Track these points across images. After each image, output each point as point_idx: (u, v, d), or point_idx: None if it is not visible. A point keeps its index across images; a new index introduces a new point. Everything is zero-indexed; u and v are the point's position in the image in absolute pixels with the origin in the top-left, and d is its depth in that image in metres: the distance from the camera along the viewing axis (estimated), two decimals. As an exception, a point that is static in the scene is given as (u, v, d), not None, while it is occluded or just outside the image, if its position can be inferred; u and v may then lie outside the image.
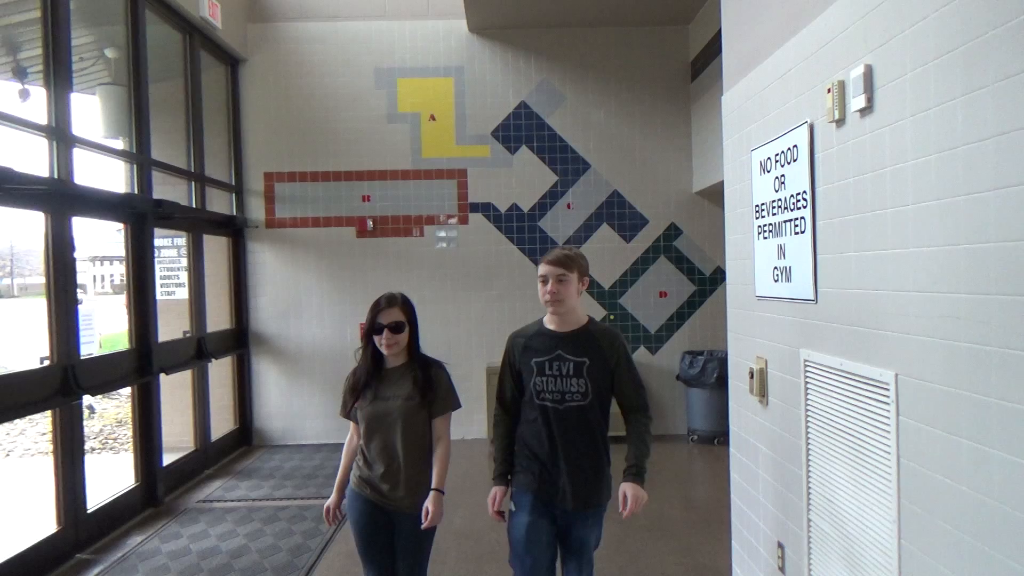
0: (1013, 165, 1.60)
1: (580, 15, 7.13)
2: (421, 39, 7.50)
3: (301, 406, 7.56)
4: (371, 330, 2.87)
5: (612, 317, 7.55)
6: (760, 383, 3.16)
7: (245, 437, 7.49)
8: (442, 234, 7.54)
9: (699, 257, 7.54)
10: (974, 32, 1.71)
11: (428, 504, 2.81)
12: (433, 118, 7.53)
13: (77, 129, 4.76)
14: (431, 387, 2.91)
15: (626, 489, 2.67)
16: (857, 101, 2.23)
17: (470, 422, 7.41)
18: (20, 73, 6.13)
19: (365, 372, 2.92)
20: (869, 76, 2.18)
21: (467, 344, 7.53)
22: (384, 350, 2.87)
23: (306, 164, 7.52)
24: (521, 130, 7.54)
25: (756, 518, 3.28)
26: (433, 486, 2.87)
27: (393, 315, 2.87)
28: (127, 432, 9.08)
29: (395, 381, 2.91)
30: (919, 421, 1.98)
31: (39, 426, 9.40)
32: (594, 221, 7.55)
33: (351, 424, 3.03)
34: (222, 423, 7.19)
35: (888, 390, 2.11)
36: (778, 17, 2.92)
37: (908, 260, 2.01)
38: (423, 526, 2.81)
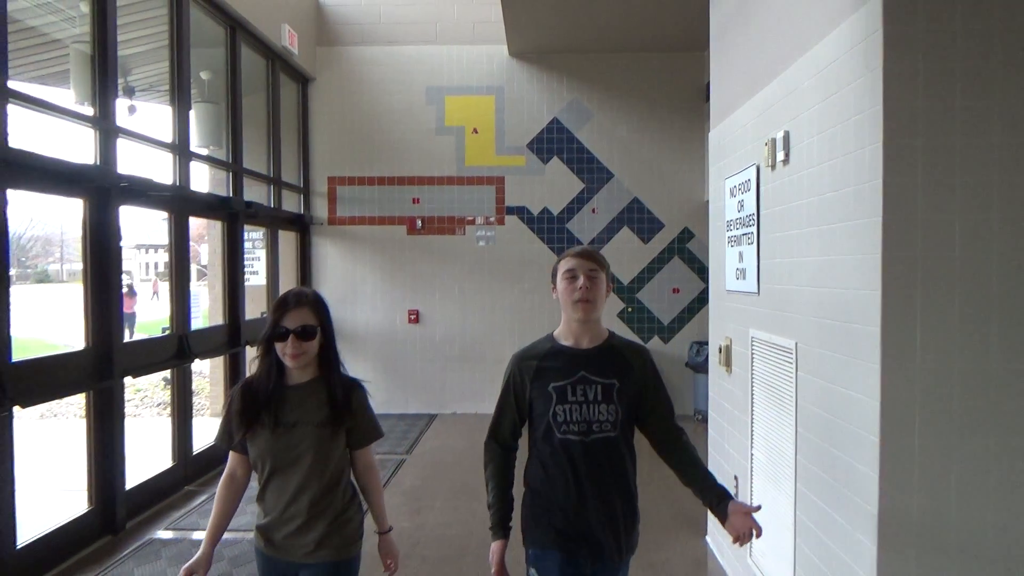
0: (848, 208, 2.57)
1: (608, 42, 8.10)
2: (467, 62, 8.55)
3: (355, 381, 8.67)
4: (272, 335, 2.28)
5: (631, 309, 8.52)
6: (727, 356, 4.14)
7: (307, 406, 8.63)
8: (481, 233, 8.60)
9: (708, 258, 8.46)
10: (836, 121, 2.68)
11: (386, 553, 2.46)
12: (476, 131, 8.58)
13: (190, 144, 5.90)
14: (350, 412, 2.34)
15: (746, 516, 2.22)
16: (780, 155, 3.21)
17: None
18: (129, 91, 7.35)
19: (264, 389, 2.30)
20: (787, 138, 3.15)
21: (501, 330, 8.58)
22: (288, 361, 2.27)
23: (364, 170, 8.63)
24: (553, 143, 8.55)
25: (723, 461, 4.26)
26: (383, 530, 2.46)
27: (302, 316, 2.28)
28: (198, 400, 10.33)
29: (301, 402, 2.31)
30: (808, 373, 2.96)
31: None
32: (616, 224, 8.53)
33: (231, 457, 2.40)
34: (288, 393, 8.33)
35: (791, 353, 3.09)
36: (740, 82, 3.89)
37: (801, 266, 2.99)
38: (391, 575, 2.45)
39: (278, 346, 2.28)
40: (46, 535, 4.21)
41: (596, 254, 2.33)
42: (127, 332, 15.68)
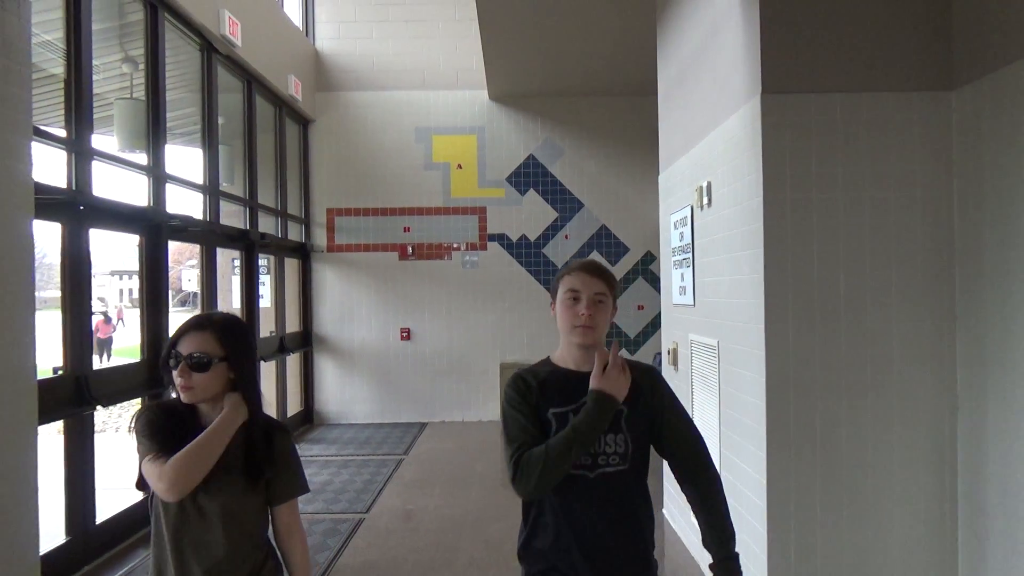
0: (746, 241, 3.57)
1: (578, 87, 9.18)
2: (452, 104, 9.57)
3: (352, 393, 9.56)
4: (165, 359, 1.92)
5: (600, 325, 9.51)
6: (674, 357, 5.13)
7: (308, 416, 9.48)
8: (466, 258, 9.57)
9: (669, 278, 9.53)
10: (737, 178, 3.70)
11: None
12: (460, 166, 9.58)
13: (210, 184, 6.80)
14: (270, 461, 1.97)
15: None
16: (706, 199, 4.23)
17: (484, 406, 9.41)
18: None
19: (166, 426, 1.90)
20: (710, 187, 4.17)
21: (484, 345, 9.53)
22: (181, 394, 1.90)
23: (360, 202, 9.58)
24: (529, 176, 9.59)
25: (673, 443, 5.23)
26: None
27: (199, 342, 1.89)
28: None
29: None
30: (726, 363, 3.95)
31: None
32: (586, 249, 9.56)
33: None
34: (291, 405, 9.18)
35: (715, 350, 4.09)
36: (680, 138, 4.93)
37: (720, 284, 4.00)
38: None
39: (173, 374, 1.90)
40: (115, 515, 5.04)
41: (605, 272, 2.02)
42: (104, 357, 16.17)
